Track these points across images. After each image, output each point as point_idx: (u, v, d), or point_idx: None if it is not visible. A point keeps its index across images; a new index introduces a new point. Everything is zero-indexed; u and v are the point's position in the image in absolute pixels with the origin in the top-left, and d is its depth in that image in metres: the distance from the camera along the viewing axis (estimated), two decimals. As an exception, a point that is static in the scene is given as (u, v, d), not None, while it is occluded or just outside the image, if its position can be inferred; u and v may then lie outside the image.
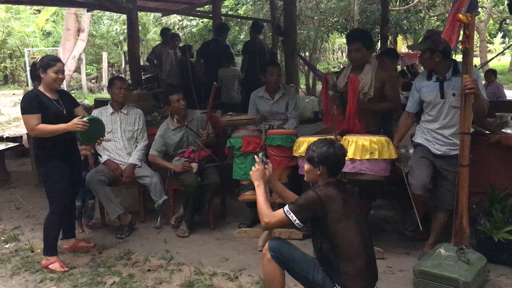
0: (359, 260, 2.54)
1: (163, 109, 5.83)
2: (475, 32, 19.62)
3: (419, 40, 3.85)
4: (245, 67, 7.77)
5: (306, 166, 2.74)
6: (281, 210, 2.59)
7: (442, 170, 3.52)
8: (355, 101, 3.63)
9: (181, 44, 9.56)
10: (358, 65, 3.87)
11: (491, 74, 9.05)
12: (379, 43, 10.53)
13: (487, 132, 3.80)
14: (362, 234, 2.59)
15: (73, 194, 3.92)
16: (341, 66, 21.25)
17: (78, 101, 4.10)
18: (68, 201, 3.81)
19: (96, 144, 3.82)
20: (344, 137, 3.56)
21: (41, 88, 3.69)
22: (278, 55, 12.56)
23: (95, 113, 4.67)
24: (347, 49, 3.97)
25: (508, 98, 9.27)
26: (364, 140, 3.46)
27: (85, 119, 3.55)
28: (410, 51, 15.58)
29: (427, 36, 3.59)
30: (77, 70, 18.60)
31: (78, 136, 3.59)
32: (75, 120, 3.51)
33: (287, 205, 2.58)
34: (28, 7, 18.40)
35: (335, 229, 2.52)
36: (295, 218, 2.53)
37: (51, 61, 3.64)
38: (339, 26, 17.72)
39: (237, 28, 17.96)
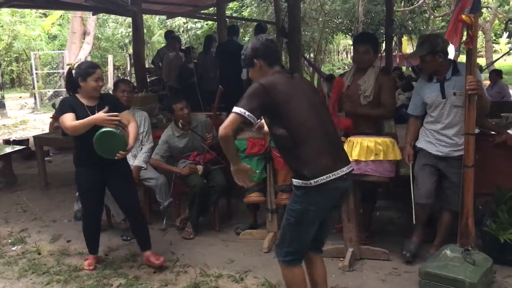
0: (317, 141, 2.53)
1: (165, 112, 5.84)
2: (481, 32, 19.58)
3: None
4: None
5: (250, 73, 2.76)
6: (231, 114, 2.55)
7: (446, 172, 3.51)
8: (336, 100, 3.67)
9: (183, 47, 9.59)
10: (363, 67, 3.85)
11: (495, 74, 9.03)
12: (384, 44, 10.51)
13: (492, 132, 3.79)
14: (318, 115, 2.59)
15: (101, 205, 3.80)
16: (346, 68, 21.25)
17: None
18: (93, 209, 3.72)
19: (116, 157, 3.46)
20: (349, 138, 3.57)
21: (79, 95, 3.58)
22: (283, 57, 12.58)
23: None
24: (354, 50, 3.94)
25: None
26: (369, 141, 3.47)
27: (101, 131, 3.33)
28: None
29: (423, 41, 3.55)
30: (83, 73, 18.67)
31: (94, 146, 3.38)
32: (101, 113, 3.36)
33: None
34: (34, 10, 18.50)
35: (286, 112, 2.52)
36: (244, 111, 2.48)
37: (90, 69, 3.51)
38: (344, 28, 17.73)
39: (241, 30, 17.97)
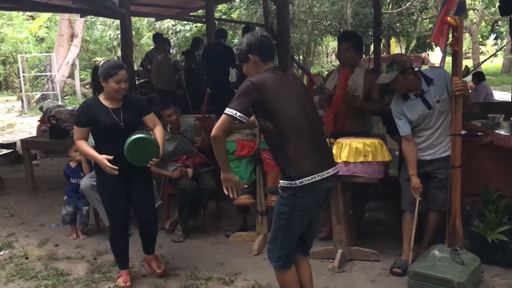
0: (304, 141, 2.55)
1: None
2: (468, 34, 19.79)
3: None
4: (239, 70, 7.80)
5: (244, 68, 2.74)
6: (222, 115, 2.54)
7: (434, 173, 3.53)
8: (344, 92, 3.64)
9: (172, 49, 9.57)
10: (346, 65, 3.89)
11: (475, 77, 8.89)
12: (372, 46, 10.57)
13: (479, 133, 3.82)
14: (306, 115, 2.60)
15: (127, 214, 3.51)
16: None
17: (71, 107, 3.94)
18: (120, 220, 3.46)
19: (149, 165, 3.30)
20: (337, 140, 3.58)
21: (101, 96, 3.39)
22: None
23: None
24: (338, 48, 3.98)
25: (501, 99, 9.33)
26: (358, 143, 3.48)
27: (135, 137, 3.17)
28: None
29: (390, 63, 3.48)
30: (71, 75, 18.55)
31: (125, 153, 3.19)
32: (106, 162, 3.18)
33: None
34: (21, 13, 18.34)
35: (275, 110, 2.53)
36: (235, 112, 2.49)
37: (111, 70, 3.27)
38: (333, 30, 17.81)
39: (230, 32, 17.99)
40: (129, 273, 3.59)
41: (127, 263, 3.61)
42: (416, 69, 3.81)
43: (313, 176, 2.51)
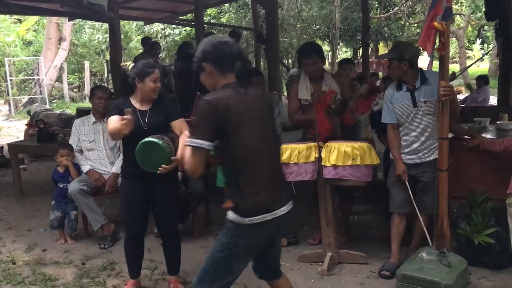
0: (261, 174, 2.31)
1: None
2: (454, 39, 20.00)
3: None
4: None
5: (201, 78, 2.43)
6: (186, 148, 2.27)
7: (419, 177, 3.57)
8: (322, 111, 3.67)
9: (161, 53, 9.56)
10: (316, 76, 3.94)
11: (481, 80, 9.21)
12: (360, 51, 10.66)
13: (466, 137, 3.87)
14: (267, 144, 2.36)
15: (143, 224, 3.39)
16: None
17: (58, 111, 3.83)
18: (135, 230, 3.35)
19: (158, 172, 3.08)
20: (326, 143, 3.61)
21: (132, 98, 3.29)
22: (261, 63, 12.64)
23: (77, 122, 4.65)
24: (303, 63, 3.95)
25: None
26: (346, 146, 3.51)
27: (144, 140, 3.02)
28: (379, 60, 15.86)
29: (394, 46, 3.68)
30: (59, 79, 18.43)
31: (135, 157, 3.08)
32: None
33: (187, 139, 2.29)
34: (8, 16, 18.20)
35: (235, 136, 2.25)
36: (200, 142, 2.21)
37: (148, 68, 3.19)
38: (321, 34, 17.92)
39: (220, 36, 18.01)
40: (137, 284, 3.48)
41: (138, 272, 3.49)
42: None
43: (265, 215, 2.30)
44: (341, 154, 3.49)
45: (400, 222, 3.60)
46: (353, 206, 4.32)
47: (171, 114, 3.33)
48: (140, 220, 3.34)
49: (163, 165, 3.06)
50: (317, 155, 3.59)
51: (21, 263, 4.03)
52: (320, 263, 3.70)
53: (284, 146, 3.74)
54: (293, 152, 3.63)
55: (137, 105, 3.27)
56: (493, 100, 9.48)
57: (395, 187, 3.59)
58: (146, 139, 3.05)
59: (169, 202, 3.36)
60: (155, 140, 3.05)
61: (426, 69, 3.80)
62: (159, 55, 9.15)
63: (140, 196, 3.26)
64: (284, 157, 3.65)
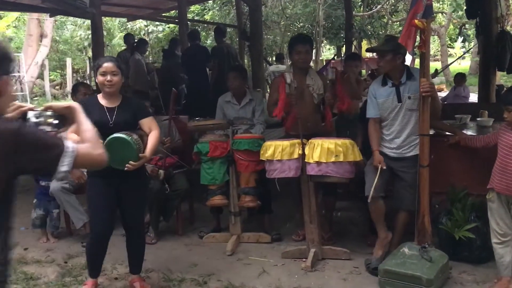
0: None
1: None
2: (436, 36, 20.23)
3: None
4: (215, 72, 7.79)
5: None
6: None
7: (399, 172, 3.61)
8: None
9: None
10: (304, 67, 3.98)
11: (456, 77, 9.32)
12: (344, 48, 10.72)
13: (447, 133, 3.92)
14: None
15: (110, 224, 3.30)
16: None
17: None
18: (100, 229, 3.25)
19: (126, 169, 3.04)
20: (310, 140, 3.62)
21: (100, 95, 3.30)
22: (245, 60, 12.64)
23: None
24: (297, 50, 3.95)
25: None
26: (330, 143, 3.54)
27: (112, 137, 3.00)
28: (372, 55, 15.87)
29: (388, 39, 3.69)
30: (40, 76, 18.20)
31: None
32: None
33: None
34: (-12, 12, 17.91)
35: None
36: None
37: (98, 62, 3.22)
38: (305, 31, 17.93)
39: (203, 33, 17.96)
40: (96, 284, 3.40)
41: (98, 272, 3.43)
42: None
43: None
44: (324, 151, 3.51)
45: (376, 204, 3.57)
46: (335, 202, 4.35)
47: (140, 112, 3.32)
48: (108, 219, 3.27)
49: (131, 162, 3.04)
50: (300, 152, 3.61)
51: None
52: (304, 259, 3.72)
53: (267, 143, 3.76)
54: (276, 149, 3.65)
55: (103, 101, 3.25)
56: (472, 98, 9.61)
57: (370, 173, 3.59)
58: (114, 135, 3.03)
59: (137, 198, 3.34)
60: (124, 136, 3.03)
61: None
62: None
63: (108, 194, 3.21)
64: (268, 154, 3.66)
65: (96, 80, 3.26)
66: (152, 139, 3.25)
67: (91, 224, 3.42)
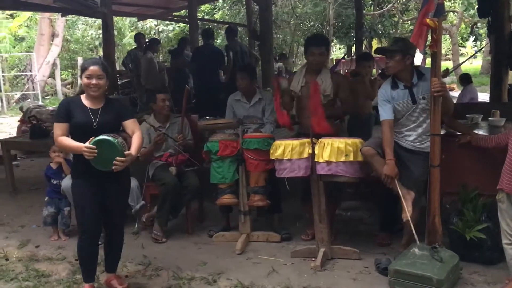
0: None
1: (139, 114, 5.81)
2: (448, 36, 20.08)
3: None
4: (228, 70, 7.78)
5: None
6: None
7: (408, 163, 3.59)
8: (319, 104, 3.66)
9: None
10: (318, 68, 3.98)
11: (461, 79, 9.11)
12: (354, 47, 10.68)
13: (458, 133, 3.90)
14: None
15: (99, 223, 3.31)
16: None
17: (51, 107, 3.78)
18: (90, 230, 3.24)
19: (113, 168, 3.06)
20: (319, 140, 3.62)
21: (83, 96, 3.28)
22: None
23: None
24: (310, 52, 3.97)
25: (480, 100, 9.48)
26: (340, 142, 3.53)
27: (96, 139, 3.02)
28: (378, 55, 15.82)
29: (397, 40, 3.68)
30: (52, 75, 18.33)
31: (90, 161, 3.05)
32: (83, 146, 3.02)
33: None
34: (0, 12, 18.06)
35: None
36: None
37: (84, 65, 3.21)
38: (315, 31, 17.91)
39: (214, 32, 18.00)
40: (92, 287, 3.37)
41: (93, 277, 3.38)
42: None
43: None
44: (334, 150, 3.51)
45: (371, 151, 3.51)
46: (339, 203, 4.35)
47: (123, 114, 3.32)
48: (96, 220, 3.26)
49: (117, 158, 3.04)
50: (310, 151, 3.61)
51: (14, 259, 4.02)
52: (313, 259, 3.71)
53: (277, 142, 3.76)
54: (286, 148, 3.65)
55: (86, 102, 3.24)
56: (484, 97, 9.52)
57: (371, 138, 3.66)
58: (99, 137, 3.03)
59: (120, 197, 3.37)
60: (109, 138, 3.03)
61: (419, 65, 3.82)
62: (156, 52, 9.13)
63: (94, 195, 3.21)
64: (278, 153, 3.66)
65: (81, 82, 3.27)
66: (136, 139, 3.27)
67: (80, 225, 3.38)
